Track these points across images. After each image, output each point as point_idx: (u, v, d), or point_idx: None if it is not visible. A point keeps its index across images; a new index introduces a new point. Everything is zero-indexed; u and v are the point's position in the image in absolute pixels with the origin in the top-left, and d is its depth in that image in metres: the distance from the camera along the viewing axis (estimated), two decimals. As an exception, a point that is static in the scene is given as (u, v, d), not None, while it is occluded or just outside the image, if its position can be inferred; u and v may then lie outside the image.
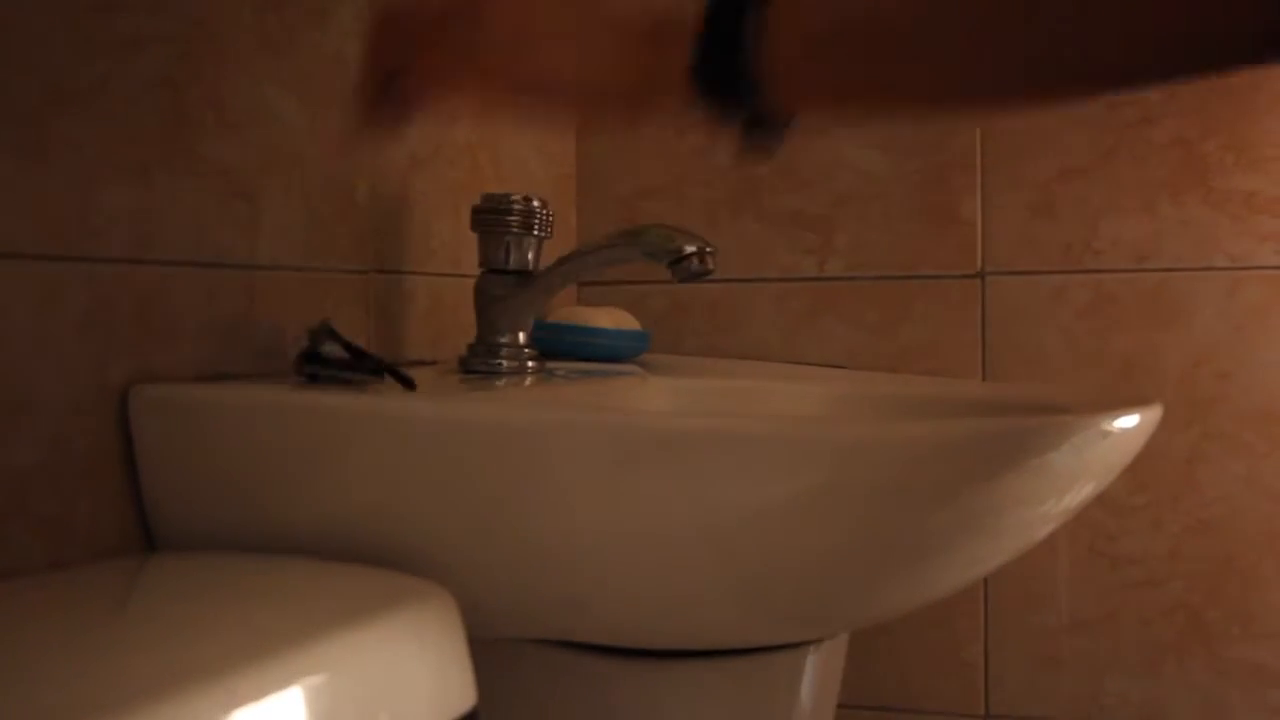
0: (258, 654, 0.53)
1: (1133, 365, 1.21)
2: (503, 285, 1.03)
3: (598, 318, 1.20)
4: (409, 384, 0.81)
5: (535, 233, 1.03)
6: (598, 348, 1.18)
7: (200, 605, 0.65)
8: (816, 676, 0.89)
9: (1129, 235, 1.21)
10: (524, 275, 1.03)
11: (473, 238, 1.03)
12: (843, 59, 0.54)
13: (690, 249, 0.95)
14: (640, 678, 0.84)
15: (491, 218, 1.02)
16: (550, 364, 1.10)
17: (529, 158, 1.30)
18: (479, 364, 1.03)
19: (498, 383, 1.00)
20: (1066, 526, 1.20)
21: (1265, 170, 1.18)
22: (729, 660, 0.85)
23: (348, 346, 0.87)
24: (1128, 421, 0.77)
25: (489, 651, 0.75)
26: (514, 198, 1.02)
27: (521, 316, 1.03)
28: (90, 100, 0.76)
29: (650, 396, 1.08)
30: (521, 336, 1.04)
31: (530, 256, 1.03)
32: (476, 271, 1.04)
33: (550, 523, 0.70)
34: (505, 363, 1.03)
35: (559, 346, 1.17)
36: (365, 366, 0.83)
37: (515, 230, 1.02)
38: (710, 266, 0.95)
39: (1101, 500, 1.21)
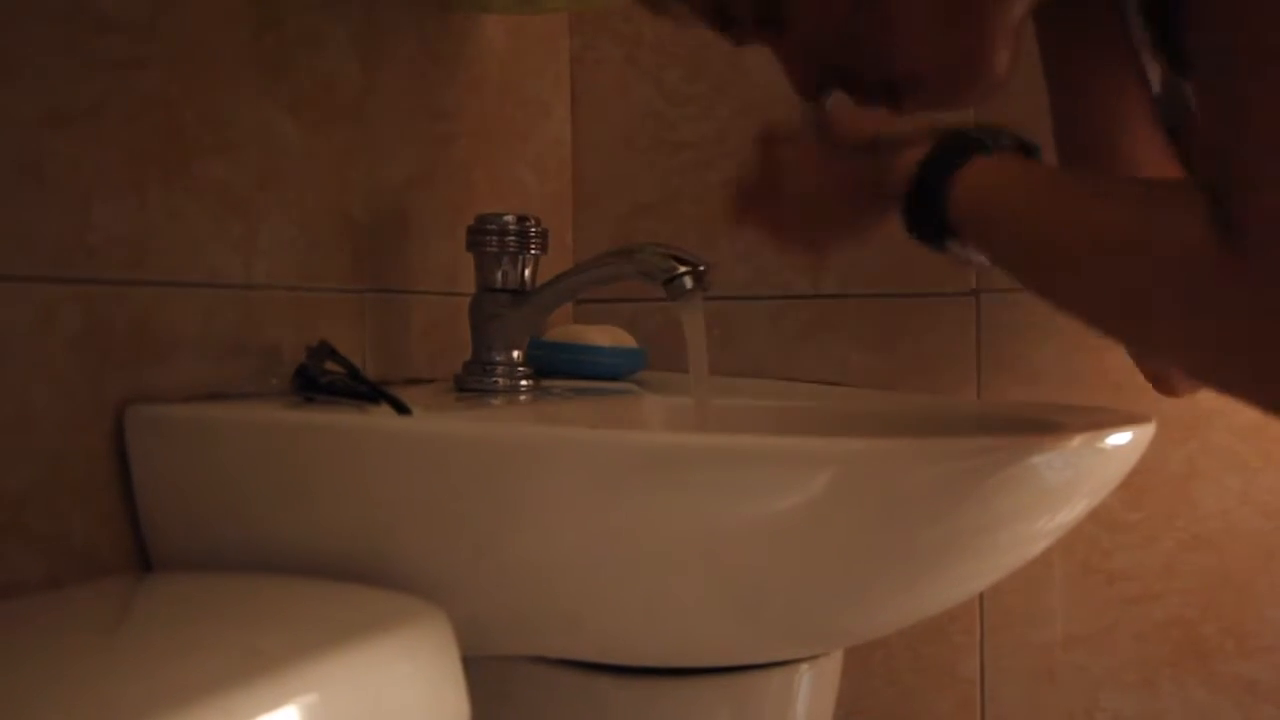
0: (252, 673, 0.53)
1: (1127, 382, 1.21)
2: (498, 304, 1.03)
3: (594, 336, 1.20)
4: (404, 410, 0.82)
5: (530, 251, 1.03)
6: (593, 366, 1.18)
7: (195, 624, 0.65)
8: (811, 693, 0.89)
9: (1122, 252, 1.21)
10: (519, 294, 1.03)
11: (470, 256, 1.04)
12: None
13: (684, 268, 0.95)
14: (635, 695, 0.84)
15: (486, 237, 1.03)
16: (546, 382, 1.10)
17: (526, 176, 1.30)
18: (474, 382, 1.03)
19: (492, 401, 1.00)
20: (1062, 542, 1.20)
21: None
22: (724, 678, 0.85)
23: (347, 366, 0.87)
24: (1121, 438, 0.77)
25: (484, 669, 0.75)
26: (508, 217, 1.03)
27: (517, 335, 1.04)
28: (87, 120, 0.76)
29: (646, 414, 1.09)
30: (517, 355, 1.04)
31: (525, 275, 1.04)
32: (473, 290, 1.05)
33: (544, 540, 0.70)
34: (500, 381, 1.03)
35: (555, 365, 1.17)
36: (361, 392, 0.84)
37: (510, 249, 1.03)
38: (704, 285, 0.96)
39: (1096, 516, 1.21)
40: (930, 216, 0.75)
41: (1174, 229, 0.57)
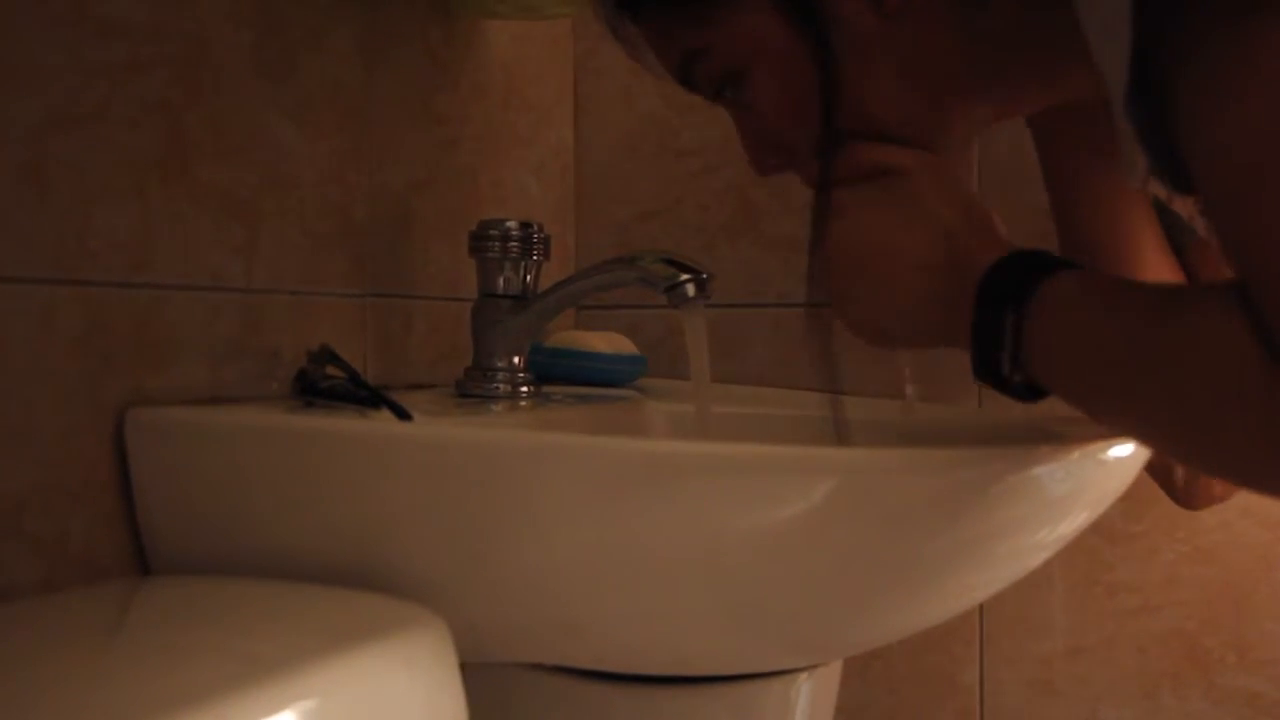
0: (249, 679, 0.53)
1: (1129, 392, 1.21)
2: (499, 309, 1.03)
3: (595, 342, 1.20)
4: (405, 416, 0.81)
5: (533, 257, 1.03)
6: (595, 372, 1.18)
7: (193, 629, 0.65)
8: (810, 703, 0.89)
9: (1125, 262, 1.21)
10: (520, 299, 1.03)
11: (472, 261, 1.04)
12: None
13: (686, 275, 0.95)
14: (634, 703, 0.84)
15: (488, 243, 1.03)
16: (547, 388, 1.10)
17: (528, 181, 1.30)
18: (475, 388, 1.03)
19: (493, 407, 1.00)
20: (1063, 553, 1.19)
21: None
22: (723, 686, 0.85)
23: (348, 371, 0.87)
24: (1123, 450, 0.77)
25: (483, 676, 0.75)
26: (510, 223, 1.03)
27: (518, 340, 1.04)
28: (89, 123, 0.76)
29: (647, 421, 1.09)
30: (518, 360, 1.04)
31: (527, 281, 1.04)
32: (475, 295, 1.04)
33: (543, 547, 0.70)
34: (501, 387, 1.03)
35: (556, 371, 1.17)
36: (362, 397, 0.83)
37: (512, 255, 1.02)
38: (706, 293, 0.96)
39: (1098, 527, 1.21)
40: (1006, 360, 0.70)
41: (1222, 350, 0.56)
